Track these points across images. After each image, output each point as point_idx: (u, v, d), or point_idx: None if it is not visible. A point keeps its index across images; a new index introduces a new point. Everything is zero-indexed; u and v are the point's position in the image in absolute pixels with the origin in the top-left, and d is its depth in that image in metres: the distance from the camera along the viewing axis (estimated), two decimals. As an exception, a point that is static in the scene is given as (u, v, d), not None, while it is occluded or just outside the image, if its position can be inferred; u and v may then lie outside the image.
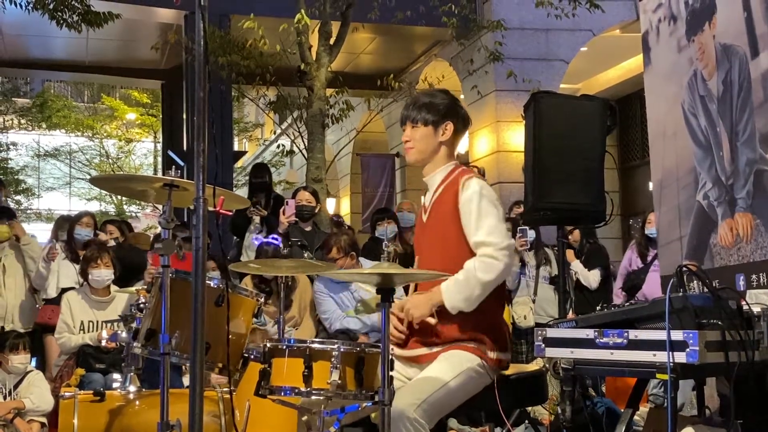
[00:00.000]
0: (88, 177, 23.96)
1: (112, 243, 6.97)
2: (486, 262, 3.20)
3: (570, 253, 7.66)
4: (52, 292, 6.62)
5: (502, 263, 3.22)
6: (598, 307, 3.59)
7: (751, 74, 4.45)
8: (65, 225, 7.37)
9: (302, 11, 8.97)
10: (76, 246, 6.80)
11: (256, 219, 7.28)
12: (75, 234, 6.83)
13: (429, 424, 3.04)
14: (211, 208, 2.75)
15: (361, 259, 6.14)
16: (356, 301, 5.92)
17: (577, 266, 7.68)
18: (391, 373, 2.87)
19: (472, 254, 3.27)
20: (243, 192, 16.43)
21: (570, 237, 7.86)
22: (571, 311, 6.78)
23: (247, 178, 11.27)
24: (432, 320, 3.27)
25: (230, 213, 7.15)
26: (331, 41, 9.62)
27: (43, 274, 6.59)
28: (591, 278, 7.69)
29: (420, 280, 3.39)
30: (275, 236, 6.50)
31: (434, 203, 3.45)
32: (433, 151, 3.46)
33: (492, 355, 3.28)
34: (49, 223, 14.74)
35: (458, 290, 3.21)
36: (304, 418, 3.25)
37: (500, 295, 3.43)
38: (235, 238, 7.94)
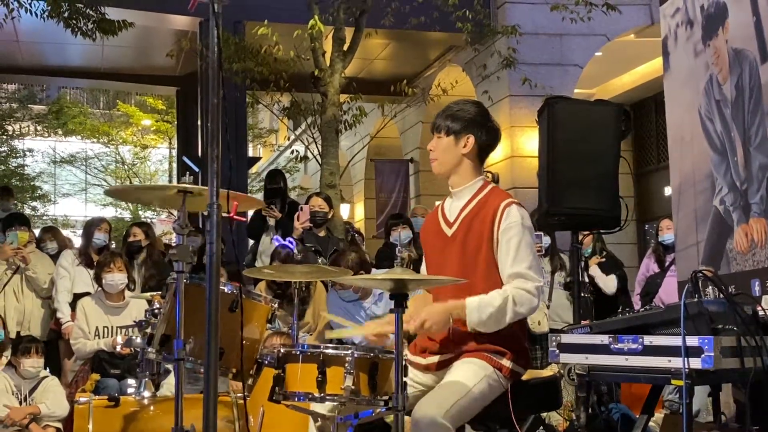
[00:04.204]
0: (104, 183, 24.13)
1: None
2: (524, 296, 3.20)
3: (593, 260, 7.61)
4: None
5: (536, 301, 3.24)
6: (619, 313, 3.58)
7: (761, 78, 4.43)
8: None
9: (316, 17, 8.99)
10: (91, 251, 6.83)
11: (271, 222, 7.29)
12: (94, 239, 6.86)
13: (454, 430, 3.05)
14: (225, 214, 2.76)
15: (374, 270, 6.09)
16: (369, 317, 5.87)
17: (595, 271, 7.63)
18: (405, 379, 2.87)
19: (498, 278, 3.27)
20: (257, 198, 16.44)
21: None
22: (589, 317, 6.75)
23: (262, 183, 11.29)
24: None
25: (244, 219, 7.17)
26: (345, 47, 9.63)
27: None
28: (609, 283, 7.63)
29: (435, 285, 3.37)
30: (291, 240, 6.49)
31: (464, 219, 3.38)
32: (455, 163, 3.42)
33: (507, 364, 3.27)
34: (64, 230, 14.81)
35: (488, 314, 3.18)
36: (318, 423, 3.24)
37: None
38: (250, 242, 7.96)
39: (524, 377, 3.43)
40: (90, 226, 7.02)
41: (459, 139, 3.40)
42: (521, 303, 3.19)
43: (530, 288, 3.22)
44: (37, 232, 7.72)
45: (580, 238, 7.50)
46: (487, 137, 3.43)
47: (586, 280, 7.55)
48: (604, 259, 7.73)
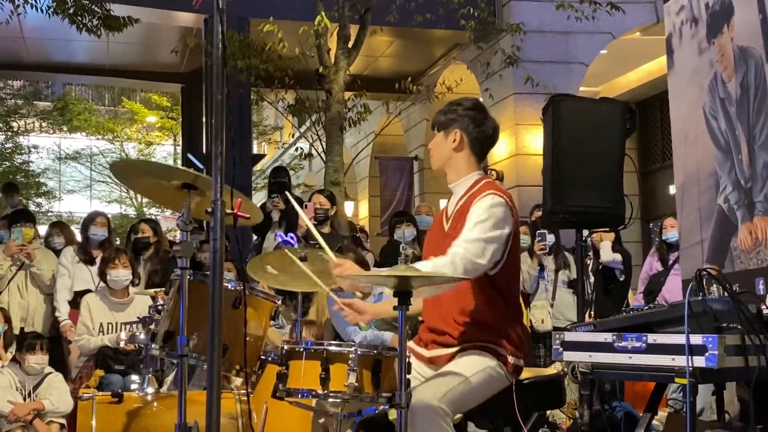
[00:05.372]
0: (109, 180, 24.16)
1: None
2: (449, 263, 3.10)
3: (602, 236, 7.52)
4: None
5: (460, 269, 3.10)
6: (623, 311, 3.58)
7: (767, 77, 4.42)
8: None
9: (322, 14, 8.99)
10: (90, 247, 6.82)
11: (275, 218, 7.28)
12: (90, 234, 6.85)
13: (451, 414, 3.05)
14: (228, 211, 2.76)
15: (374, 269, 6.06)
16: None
17: (604, 245, 7.50)
18: (408, 376, 2.87)
19: (486, 275, 3.26)
20: (262, 195, 16.49)
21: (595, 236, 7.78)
22: (588, 315, 6.74)
23: (266, 180, 11.30)
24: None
25: (248, 216, 7.14)
26: (350, 44, 9.63)
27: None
28: (613, 256, 7.47)
29: (438, 283, 3.37)
30: (293, 235, 6.46)
31: (456, 213, 3.40)
32: (446, 158, 3.46)
33: (510, 359, 3.28)
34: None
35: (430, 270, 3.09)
36: (321, 420, 3.25)
37: (516, 309, 3.42)
38: (255, 237, 7.96)
39: (528, 375, 3.44)
40: (87, 222, 7.01)
41: (448, 135, 3.44)
42: (444, 265, 3.09)
43: (466, 255, 3.12)
44: (42, 229, 7.72)
45: (585, 235, 7.49)
46: (477, 132, 3.43)
47: (591, 278, 7.53)
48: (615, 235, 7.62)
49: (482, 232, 3.19)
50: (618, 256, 7.54)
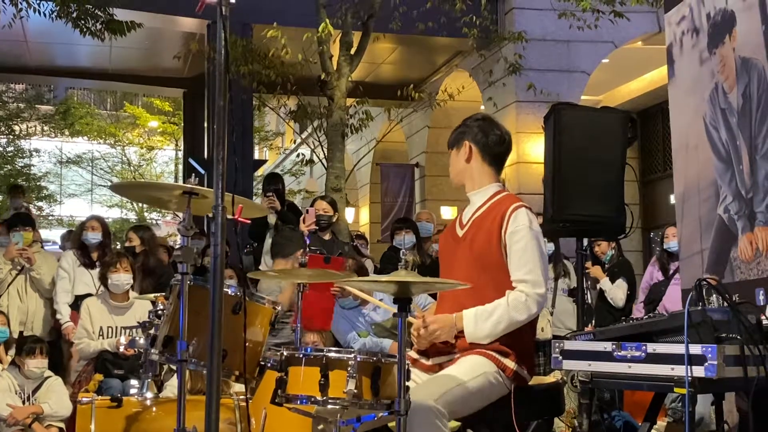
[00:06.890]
0: (110, 184, 24.14)
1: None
2: (521, 301, 3.25)
3: (598, 270, 7.59)
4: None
5: (534, 309, 3.28)
6: (623, 320, 3.58)
7: (770, 88, 4.43)
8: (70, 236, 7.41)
9: (326, 21, 9.01)
10: (88, 251, 6.81)
11: (271, 221, 7.26)
12: (83, 239, 6.84)
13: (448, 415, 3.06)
14: (229, 216, 2.76)
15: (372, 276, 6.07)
16: (369, 324, 5.85)
17: (605, 284, 7.58)
18: (407, 383, 2.87)
19: (509, 280, 3.30)
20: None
21: (597, 248, 7.80)
22: (590, 325, 6.74)
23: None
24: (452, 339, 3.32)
25: (249, 221, 7.13)
26: (352, 51, 9.65)
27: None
28: (618, 296, 7.55)
29: (438, 290, 3.38)
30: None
31: (474, 221, 3.46)
32: (461, 171, 3.54)
33: (511, 365, 3.28)
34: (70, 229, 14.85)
35: (482, 326, 3.25)
36: (320, 427, 3.24)
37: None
38: (252, 243, 7.94)
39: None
40: (81, 228, 7.00)
41: (459, 149, 3.53)
42: (517, 308, 3.25)
43: (530, 293, 3.26)
44: (43, 232, 7.71)
45: (584, 243, 7.50)
46: (486, 140, 3.49)
47: (598, 288, 7.54)
48: (606, 275, 7.66)
49: (533, 258, 3.30)
50: (622, 286, 7.55)
